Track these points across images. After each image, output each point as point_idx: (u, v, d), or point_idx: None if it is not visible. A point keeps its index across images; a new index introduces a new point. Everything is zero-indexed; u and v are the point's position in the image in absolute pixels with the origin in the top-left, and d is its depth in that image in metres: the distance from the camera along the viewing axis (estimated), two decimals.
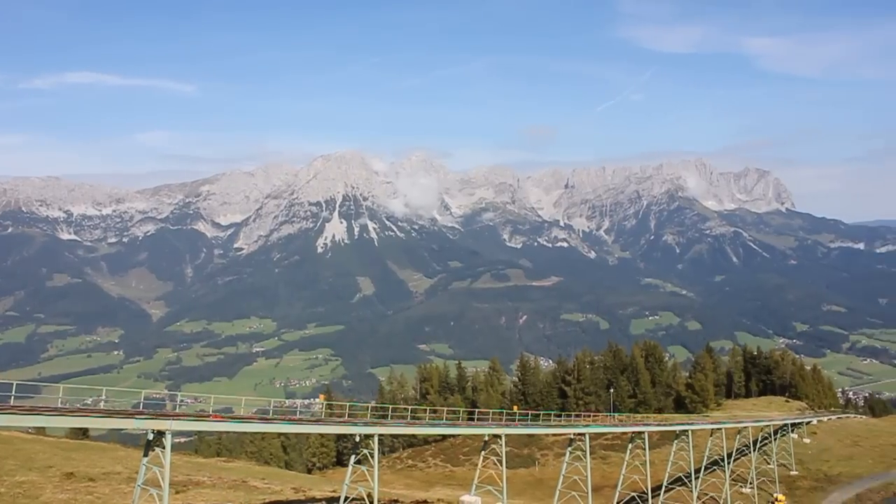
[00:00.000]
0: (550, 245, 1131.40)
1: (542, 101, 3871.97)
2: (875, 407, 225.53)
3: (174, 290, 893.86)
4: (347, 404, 67.27)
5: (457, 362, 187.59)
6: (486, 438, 72.86)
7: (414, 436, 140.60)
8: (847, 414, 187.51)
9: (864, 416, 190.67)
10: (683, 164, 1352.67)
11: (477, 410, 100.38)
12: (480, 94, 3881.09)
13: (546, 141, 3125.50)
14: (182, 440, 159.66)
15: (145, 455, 47.24)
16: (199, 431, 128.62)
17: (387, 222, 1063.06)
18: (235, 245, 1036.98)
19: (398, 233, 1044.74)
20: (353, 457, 60.16)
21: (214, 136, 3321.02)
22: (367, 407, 72.00)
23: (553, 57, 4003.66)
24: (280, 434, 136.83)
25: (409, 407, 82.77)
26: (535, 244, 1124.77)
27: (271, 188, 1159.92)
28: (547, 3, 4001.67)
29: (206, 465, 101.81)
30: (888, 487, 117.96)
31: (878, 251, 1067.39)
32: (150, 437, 46.10)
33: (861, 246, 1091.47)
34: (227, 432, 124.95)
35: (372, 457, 58.32)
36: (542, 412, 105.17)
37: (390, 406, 77.52)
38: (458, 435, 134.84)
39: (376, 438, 58.58)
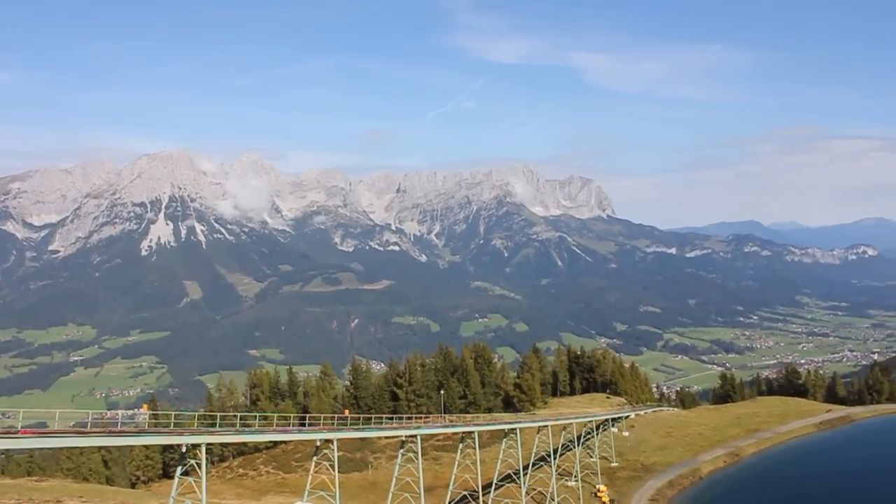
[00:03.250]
0: (382, 249, 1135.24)
1: (377, 106, 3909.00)
2: (685, 400, 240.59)
3: None
4: (173, 413, 64.73)
5: (288, 367, 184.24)
6: (318, 444, 72.06)
7: (244, 444, 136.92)
8: (661, 407, 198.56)
9: (676, 409, 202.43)
10: (512, 171, 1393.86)
11: (308, 416, 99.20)
12: (315, 96, 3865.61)
13: (380, 145, 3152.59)
14: None
15: None
16: (6, 450, 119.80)
17: (215, 224, 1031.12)
18: (50, 247, 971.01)
19: (227, 235, 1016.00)
20: (179, 468, 57.85)
21: (28, 130, 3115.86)
22: (195, 416, 69.55)
23: (388, 62, 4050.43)
24: (100, 448, 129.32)
25: (239, 414, 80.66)
26: (367, 248, 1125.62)
27: (91, 187, 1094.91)
28: (383, 9, 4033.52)
29: (14, 486, 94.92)
30: (695, 472, 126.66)
31: (687, 256, 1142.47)
32: None
33: (673, 251, 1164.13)
34: (40, 449, 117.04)
35: (200, 467, 56.26)
36: (374, 415, 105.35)
37: (219, 414, 75.22)
38: (290, 441, 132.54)
39: (204, 448, 56.60)
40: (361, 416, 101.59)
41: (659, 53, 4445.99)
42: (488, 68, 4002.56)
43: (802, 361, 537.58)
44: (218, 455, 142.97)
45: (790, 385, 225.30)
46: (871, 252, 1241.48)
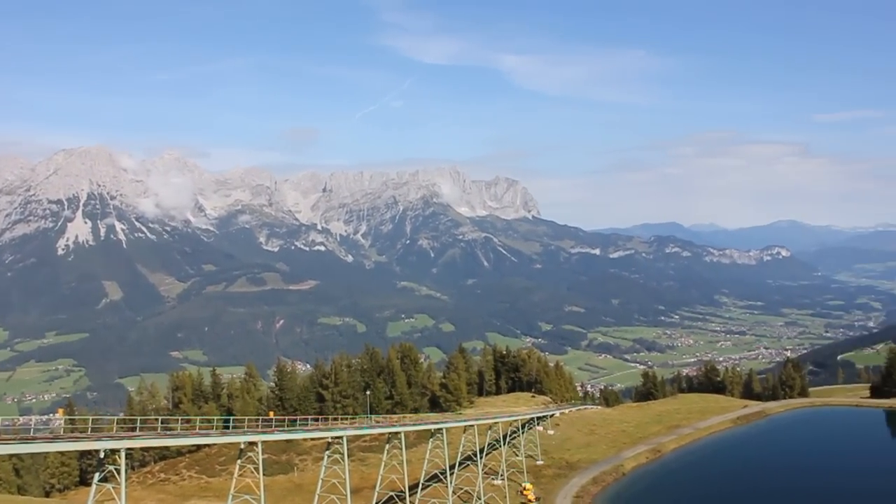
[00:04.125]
0: (308, 249, 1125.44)
1: (304, 104, 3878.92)
2: (609, 398, 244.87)
3: None
4: (91, 418, 62.88)
5: (211, 369, 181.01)
6: (243, 446, 71.04)
7: (166, 448, 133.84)
8: (585, 405, 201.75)
9: (599, 407, 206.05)
10: (438, 172, 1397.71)
11: (232, 418, 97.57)
12: (240, 93, 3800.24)
13: (306, 144, 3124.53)
14: None
15: None
16: None
17: (136, 223, 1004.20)
18: None
19: (149, 234, 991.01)
20: (97, 475, 56.19)
21: None
22: (114, 420, 67.73)
23: (315, 60, 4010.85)
24: (11, 456, 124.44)
25: (161, 417, 78.81)
26: (293, 248, 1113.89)
27: (2, 183, 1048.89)
28: (309, 6, 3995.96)
29: None
30: (619, 469, 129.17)
31: (611, 256, 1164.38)
32: None
33: (597, 251, 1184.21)
34: None
35: (119, 473, 54.74)
36: (299, 417, 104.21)
37: (139, 418, 73.38)
38: (214, 444, 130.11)
39: (123, 453, 55.12)
40: (287, 417, 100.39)
41: (584, 56, 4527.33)
42: (416, 68, 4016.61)
43: (721, 359, 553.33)
44: (139, 460, 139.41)
45: (709, 382, 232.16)
46: (784, 253, 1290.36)
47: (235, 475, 70.99)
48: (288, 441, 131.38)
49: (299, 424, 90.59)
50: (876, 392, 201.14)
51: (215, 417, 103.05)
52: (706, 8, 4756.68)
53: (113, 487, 55.40)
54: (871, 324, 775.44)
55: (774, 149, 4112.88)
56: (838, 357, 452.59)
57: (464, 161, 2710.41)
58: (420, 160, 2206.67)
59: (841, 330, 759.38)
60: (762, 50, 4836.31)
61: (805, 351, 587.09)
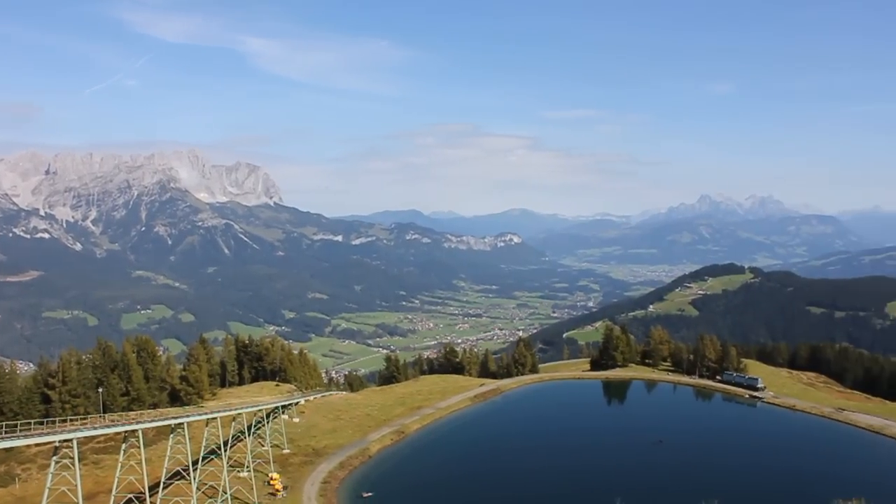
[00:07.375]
0: (28, 236, 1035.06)
1: (23, 76, 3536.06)
2: (353, 383, 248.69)
3: None
4: None
5: None
6: None
7: None
8: (331, 392, 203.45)
9: (344, 392, 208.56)
10: (176, 155, 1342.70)
11: None
12: None
13: (25, 120, 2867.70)
14: None
15: None
16: None
17: None
18: None
19: None
20: None
21: None
22: None
23: (34, 27, 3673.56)
24: None
25: None
26: (10, 235, 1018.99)
27: None
28: None
29: None
30: (365, 452, 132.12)
31: (353, 243, 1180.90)
32: None
33: (339, 238, 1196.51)
34: None
35: None
36: (20, 422, 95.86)
37: None
38: None
39: None
40: (5, 423, 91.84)
41: (330, 43, 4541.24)
42: (152, 45, 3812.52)
43: (459, 341, 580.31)
44: None
45: (449, 363, 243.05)
46: (516, 240, 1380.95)
47: None
48: (7, 450, 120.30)
49: (21, 430, 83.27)
50: (595, 365, 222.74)
51: None
52: (444, 3, 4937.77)
53: None
54: (590, 304, 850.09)
55: (508, 141, 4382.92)
56: (564, 335, 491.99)
57: (204, 145, 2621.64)
58: (157, 143, 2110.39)
59: (566, 310, 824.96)
60: (499, 46, 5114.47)
61: (535, 330, 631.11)
